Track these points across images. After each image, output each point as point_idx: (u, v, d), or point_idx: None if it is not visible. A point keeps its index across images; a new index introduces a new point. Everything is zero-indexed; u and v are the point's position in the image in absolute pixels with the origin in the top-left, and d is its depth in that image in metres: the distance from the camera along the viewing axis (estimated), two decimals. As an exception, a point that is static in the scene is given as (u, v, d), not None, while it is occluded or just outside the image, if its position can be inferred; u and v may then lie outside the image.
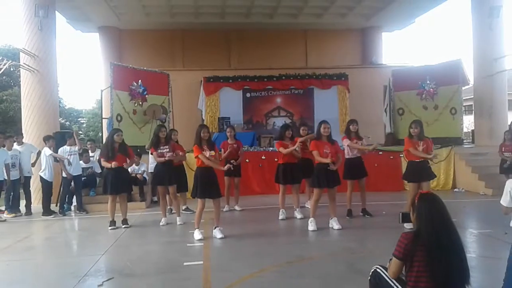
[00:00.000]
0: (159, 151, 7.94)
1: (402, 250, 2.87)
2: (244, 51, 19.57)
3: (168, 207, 8.89)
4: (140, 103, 12.68)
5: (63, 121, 29.82)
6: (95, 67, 46.27)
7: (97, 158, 10.65)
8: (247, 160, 11.34)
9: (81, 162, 10.26)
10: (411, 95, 13.84)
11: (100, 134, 16.36)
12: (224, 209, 9.10)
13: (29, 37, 11.87)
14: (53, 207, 9.79)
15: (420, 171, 7.19)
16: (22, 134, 11.10)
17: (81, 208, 9.80)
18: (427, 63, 15.67)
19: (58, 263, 5.91)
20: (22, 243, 7.12)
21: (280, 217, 8.14)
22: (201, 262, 5.43)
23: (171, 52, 19.70)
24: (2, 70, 12.44)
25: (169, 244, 6.68)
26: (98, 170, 10.37)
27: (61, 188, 9.98)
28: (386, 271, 3.07)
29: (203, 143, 6.70)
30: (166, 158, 7.91)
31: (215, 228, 6.80)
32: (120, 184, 7.80)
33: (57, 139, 10.32)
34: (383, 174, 11.37)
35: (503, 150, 10.25)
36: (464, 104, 13.93)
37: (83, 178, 10.20)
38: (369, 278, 3.24)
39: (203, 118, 15.72)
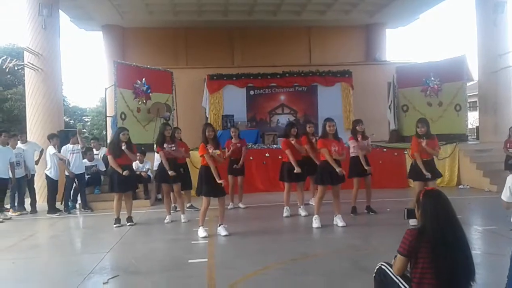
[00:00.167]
0: (165, 149, 7.95)
1: (406, 247, 2.86)
2: (248, 49, 19.56)
3: (173, 204, 8.91)
4: (144, 101, 12.69)
5: (67, 119, 29.87)
6: (99, 66, 46.34)
7: (102, 156, 10.70)
8: (251, 158, 11.34)
9: (85, 160, 10.30)
10: (415, 92, 13.79)
11: (104, 132, 16.40)
12: (229, 207, 9.10)
13: (33, 36, 11.90)
14: (58, 205, 9.83)
15: (427, 170, 7.14)
16: (26, 133, 11.17)
17: (85, 206, 9.84)
18: (431, 59, 15.59)
19: (63, 261, 5.94)
20: (27, 241, 7.16)
21: (284, 214, 8.15)
22: (206, 260, 5.44)
23: (175, 50, 19.71)
24: (8, 69, 12.49)
25: (174, 241, 6.70)
26: (103, 168, 10.41)
27: (65, 186, 10.01)
28: (391, 268, 3.07)
29: (209, 141, 6.70)
30: (171, 152, 7.95)
31: (219, 225, 6.82)
32: (126, 183, 7.83)
33: (62, 137, 10.35)
34: (387, 171, 11.34)
35: (507, 147, 10.20)
36: (468, 101, 13.87)
37: (87, 176, 10.23)
38: (374, 275, 3.24)
39: (207, 116, 15.73)
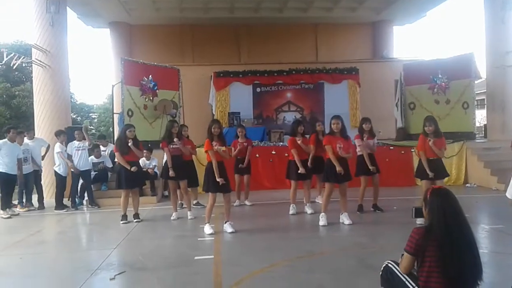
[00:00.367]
0: (171, 146, 7.97)
1: (413, 245, 2.86)
2: (254, 46, 19.55)
3: (179, 201, 8.93)
4: (151, 98, 12.73)
5: (74, 116, 30.07)
6: (106, 63, 46.52)
7: (109, 153, 10.74)
8: (257, 155, 11.35)
9: (92, 157, 10.34)
10: (423, 89, 13.72)
11: (111, 129, 16.47)
12: (235, 204, 9.12)
13: (40, 33, 11.96)
14: (65, 201, 9.88)
15: (433, 169, 7.13)
16: (33, 129, 11.24)
17: (92, 202, 9.89)
18: (439, 57, 15.49)
19: (70, 257, 5.98)
20: (35, 237, 7.21)
21: (291, 212, 8.15)
22: (212, 256, 5.45)
23: (181, 47, 19.73)
24: (15, 66, 12.56)
25: (180, 238, 6.72)
26: (110, 165, 10.44)
27: (72, 183, 10.07)
28: (398, 266, 3.07)
29: (215, 138, 6.71)
30: (179, 147, 7.97)
31: (225, 222, 6.83)
32: (133, 179, 7.87)
33: (69, 134, 10.39)
34: (394, 169, 11.29)
35: (515, 145, 10.13)
36: (476, 98, 13.79)
37: (94, 173, 10.28)
38: (380, 273, 3.24)
39: (213, 113, 15.74)
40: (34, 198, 10.13)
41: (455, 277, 2.76)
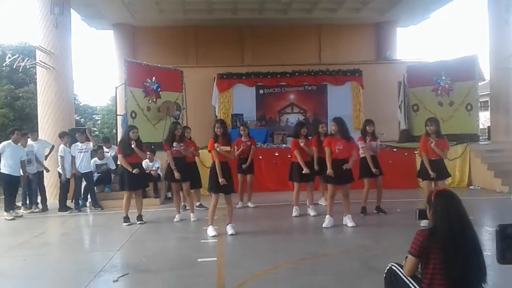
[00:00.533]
0: (173, 148, 7.97)
1: (417, 248, 2.84)
2: (257, 47, 19.54)
3: (182, 203, 8.93)
4: (154, 100, 12.75)
5: (78, 117, 30.09)
6: (109, 64, 46.64)
7: (112, 154, 10.77)
8: (260, 157, 11.34)
9: (95, 158, 10.38)
10: (426, 91, 13.69)
11: (115, 131, 16.50)
12: (238, 206, 9.12)
13: (44, 35, 12.01)
14: (69, 203, 9.90)
15: (435, 170, 7.13)
16: (37, 131, 11.27)
17: (96, 204, 9.91)
18: (443, 58, 15.48)
19: (74, 258, 5.99)
20: (39, 239, 7.23)
21: (294, 214, 8.14)
22: (215, 259, 5.45)
23: (185, 49, 19.75)
24: (20, 68, 12.61)
25: (183, 240, 6.73)
26: (113, 167, 10.46)
27: (75, 185, 10.09)
28: (402, 268, 3.05)
29: (219, 138, 6.71)
30: (180, 150, 7.97)
31: (227, 224, 6.82)
32: (136, 181, 7.88)
33: (73, 135, 10.43)
34: (398, 171, 11.26)
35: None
36: (480, 100, 13.74)
37: (98, 175, 10.30)
38: (384, 275, 3.22)
39: (217, 114, 15.74)
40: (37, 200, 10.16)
41: (459, 279, 2.75)
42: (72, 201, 10.01)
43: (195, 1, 16.86)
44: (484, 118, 19.96)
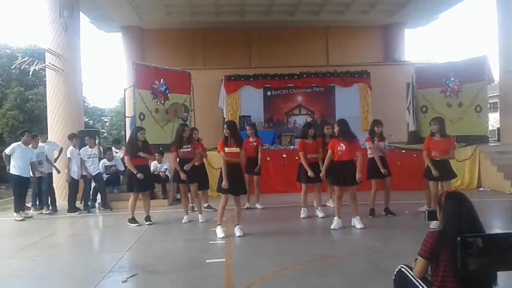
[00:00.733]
0: (181, 150, 7.99)
1: (427, 249, 2.83)
2: (265, 49, 19.57)
3: (190, 204, 8.95)
4: (162, 101, 12.79)
5: (86, 119, 30.29)
6: (118, 67, 46.87)
7: (121, 156, 10.82)
8: (268, 159, 11.33)
9: (104, 160, 10.44)
10: (435, 93, 13.62)
11: (123, 132, 16.60)
12: (244, 207, 9.12)
13: (54, 37, 12.11)
14: (78, 204, 9.96)
15: (440, 170, 7.13)
16: (46, 133, 11.36)
17: (105, 205, 9.96)
18: (451, 60, 15.37)
19: (83, 259, 6.02)
20: (48, 240, 7.28)
21: (302, 215, 8.12)
22: (223, 260, 5.46)
23: (192, 51, 19.83)
24: (31, 71, 12.74)
25: (192, 241, 6.74)
26: (122, 168, 10.51)
27: (84, 186, 10.15)
28: (411, 270, 3.04)
29: (229, 140, 6.72)
30: (187, 154, 7.99)
31: (235, 226, 6.82)
32: (144, 182, 7.92)
33: (82, 137, 10.50)
34: (406, 173, 11.20)
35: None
36: (489, 101, 13.64)
37: (107, 176, 10.35)
38: (393, 277, 3.21)
39: (224, 116, 15.77)
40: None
41: (470, 281, 2.73)
42: (81, 202, 10.08)
43: (202, 3, 16.94)
44: (493, 120, 19.81)
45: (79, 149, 9.95)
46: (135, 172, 7.78)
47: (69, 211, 9.64)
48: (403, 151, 11.83)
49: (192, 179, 8.06)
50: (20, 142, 9.30)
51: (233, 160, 6.66)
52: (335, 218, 7.11)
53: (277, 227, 7.54)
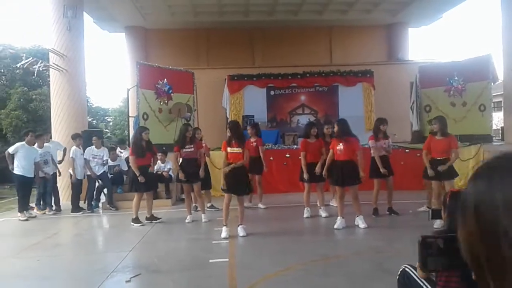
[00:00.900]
0: (184, 150, 8.00)
1: (431, 249, 2.81)
2: (268, 49, 19.55)
3: (193, 204, 8.96)
4: (166, 101, 12.79)
5: (90, 119, 30.31)
6: (121, 66, 46.97)
7: (126, 157, 10.85)
8: (271, 158, 11.31)
9: (108, 159, 10.46)
10: (439, 92, 13.56)
11: (126, 133, 16.64)
12: (245, 205, 9.09)
13: (58, 38, 12.13)
14: (81, 204, 9.99)
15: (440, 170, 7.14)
16: (50, 133, 11.39)
17: (111, 204, 9.96)
18: (455, 59, 15.33)
19: (86, 259, 6.04)
20: (52, 239, 7.30)
21: (305, 215, 8.11)
22: (227, 260, 5.46)
23: (196, 50, 19.82)
24: (35, 71, 12.77)
25: (195, 241, 6.75)
26: (125, 168, 10.53)
27: (88, 186, 10.18)
28: (415, 270, 3.03)
29: (231, 139, 6.73)
30: (190, 154, 8.00)
31: (238, 226, 6.82)
32: (148, 183, 7.93)
33: (85, 137, 10.52)
34: (410, 172, 11.15)
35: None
36: (493, 101, 13.58)
37: (110, 176, 10.37)
38: (397, 277, 3.20)
39: (228, 116, 15.76)
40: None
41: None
42: (84, 202, 10.10)
43: (206, 3, 16.93)
44: (497, 119, 19.72)
45: (83, 149, 9.97)
46: (137, 174, 7.79)
47: (72, 211, 9.66)
48: (407, 150, 11.79)
49: (196, 179, 8.07)
50: (24, 142, 9.33)
51: (235, 160, 6.65)
52: (338, 218, 7.10)
53: (280, 227, 7.54)
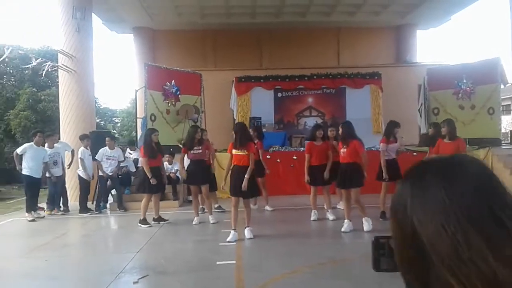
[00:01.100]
0: (192, 152, 8.02)
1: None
2: (276, 51, 19.54)
3: (201, 206, 8.97)
4: (173, 103, 12.84)
5: (98, 120, 30.43)
6: (129, 68, 47.18)
7: (134, 158, 10.90)
8: (278, 160, 11.32)
9: (123, 159, 10.51)
10: (447, 95, 13.49)
11: (134, 133, 16.70)
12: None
13: (67, 39, 12.21)
14: (89, 204, 10.03)
15: None
16: (58, 133, 11.47)
17: (121, 205, 9.98)
18: (464, 61, 15.24)
19: (95, 260, 6.07)
20: (60, 240, 7.34)
21: (312, 218, 8.10)
22: (234, 262, 5.47)
23: (203, 52, 19.87)
24: (44, 72, 12.87)
25: (202, 242, 6.76)
26: (133, 169, 10.57)
27: (97, 187, 10.22)
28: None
29: (236, 142, 6.74)
30: (198, 156, 8.02)
31: (245, 228, 6.83)
32: (157, 184, 7.97)
33: (93, 138, 10.57)
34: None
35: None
36: (502, 104, 13.50)
37: (119, 176, 10.41)
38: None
39: (235, 118, 15.77)
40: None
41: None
42: (92, 203, 10.14)
43: (213, 5, 16.96)
44: (506, 122, 19.59)
45: (91, 149, 10.01)
46: (149, 176, 7.82)
47: (80, 211, 9.71)
48: (415, 153, 11.75)
49: (203, 181, 8.09)
50: (32, 143, 9.37)
51: (239, 162, 6.66)
52: (346, 220, 7.08)
53: (287, 229, 7.54)
